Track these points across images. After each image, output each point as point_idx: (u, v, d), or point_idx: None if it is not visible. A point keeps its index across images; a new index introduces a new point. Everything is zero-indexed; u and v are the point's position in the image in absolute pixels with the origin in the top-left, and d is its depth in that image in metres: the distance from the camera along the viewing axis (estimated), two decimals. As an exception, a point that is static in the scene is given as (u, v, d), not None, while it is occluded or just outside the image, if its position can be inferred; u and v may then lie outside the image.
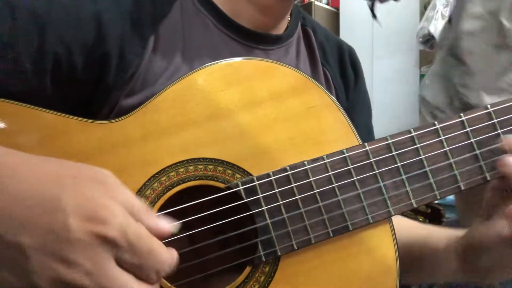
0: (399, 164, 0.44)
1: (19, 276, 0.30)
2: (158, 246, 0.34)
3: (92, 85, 0.47)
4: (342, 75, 0.63)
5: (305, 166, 0.43)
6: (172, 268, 0.34)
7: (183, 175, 0.42)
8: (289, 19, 0.60)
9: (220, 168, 0.43)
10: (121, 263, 0.32)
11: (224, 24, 0.53)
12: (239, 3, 0.54)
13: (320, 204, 0.43)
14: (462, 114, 0.46)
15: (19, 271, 0.30)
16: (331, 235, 0.43)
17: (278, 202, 0.42)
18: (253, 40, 0.54)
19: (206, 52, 0.51)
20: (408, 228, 0.57)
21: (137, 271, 0.33)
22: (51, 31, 0.44)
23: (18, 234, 0.30)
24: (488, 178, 0.45)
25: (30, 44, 0.43)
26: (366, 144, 0.44)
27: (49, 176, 0.32)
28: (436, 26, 1.99)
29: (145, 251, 0.32)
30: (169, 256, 0.34)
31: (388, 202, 0.44)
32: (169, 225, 0.35)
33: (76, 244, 0.30)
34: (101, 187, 0.33)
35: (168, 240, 0.40)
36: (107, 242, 0.31)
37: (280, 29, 0.58)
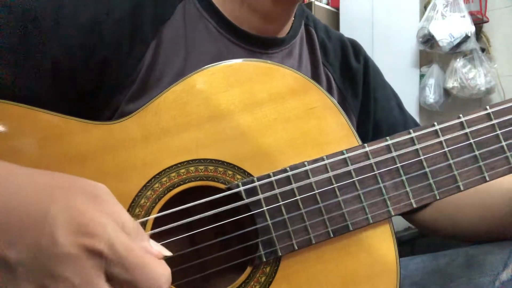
0: (399, 165, 0.44)
1: None
2: (151, 261, 0.32)
3: (93, 89, 0.47)
4: (347, 71, 0.63)
5: (306, 166, 0.43)
6: (168, 285, 0.33)
7: (184, 176, 0.42)
8: (293, 19, 0.59)
9: (220, 169, 0.43)
10: (112, 279, 0.31)
11: (227, 29, 0.53)
12: (242, 11, 0.53)
13: (321, 204, 0.43)
14: (461, 115, 0.46)
15: (6, 286, 0.30)
16: (332, 235, 0.43)
17: (279, 202, 0.42)
18: (256, 45, 0.54)
19: (208, 56, 0.51)
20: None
21: None
22: (51, 35, 0.44)
23: (5, 249, 0.29)
24: (487, 179, 0.45)
25: (30, 49, 0.43)
26: (366, 145, 0.45)
27: (40, 188, 0.31)
28: (436, 26, 1.99)
29: (137, 266, 0.31)
30: (165, 272, 0.32)
31: (388, 202, 0.44)
32: (158, 250, 0.33)
33: (64, 258, 0.29)
34: (93, 201, 0.32)
35: (169, 241, 0.40)
36: (95, 255, 0.30)
37: (284, 32, 0.58)
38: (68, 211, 0.30)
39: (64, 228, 0.30)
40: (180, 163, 0.42)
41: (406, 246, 1.00)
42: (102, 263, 0.30)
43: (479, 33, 2.12)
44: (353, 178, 0.44)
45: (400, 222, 0.67)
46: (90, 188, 0.33)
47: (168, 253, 0.35)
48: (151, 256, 0.32)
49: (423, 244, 1.01)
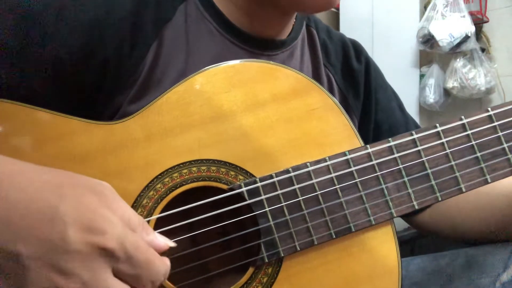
0: (401, 166, 0.44)
1: (17, 285, 0.30)
2: (154, 257, 0.34)
3: (94, 89, 0.47)
4: (348, 72, 0.63)
5: (308, 167, 0.43)
6: (166, 276, 0.35)
7: (186, 176, 0.42)
8: (294, 20, 0.59)
9: (223, 170, 0.43)
10: (118, 274, 0.32)
11: (228, 30, 0.52)
12: (240, 12, 0.53)
13: (323, 205, 0.43)
14: (463, 117, 0.46)
15: (16, 281, 0.30)
16: (334, 236, 0.43)
17: (281, 203, 0.42)
18: (257, 46, 0.54)
19: (209, 57, 0.50)
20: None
21: (133, 282, 0.33)
22: (52, 35, 0.44)
23: (16, 244, 0.30)
24: (489, 181, 0.45)
25: (32, 49, 0.43)
26: (368, 146, 0.45)
27: (49, 185, 0.32)
28: (436, 26, 1.99)
29: (142, 262, 0.33)
30: (164, 266, 0.34)
31: (390, 203, 0.44)
32: (164, 242, 0.35)
33: (74, 255, 0.30)
34: (100, 198, 0.33)
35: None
36: (105, 253, 0.31)
37: (285, 34, 0.57)
38: (78, 208, 0.31)
39: (75, 225, 0.30)
40: (182, 164, 0.42)
41: (406, 246, 1.01)
42: (111, 260, 0.31)
43: (479, 33, 2.12)
44: (355, 179, 0.44)
45: (400, 223, 0.67)
46: (95, 186, 0.34)
47: (173, 244, 0.37)
48: (154, 252, 0.34)
49: (423, 244, 1.01)
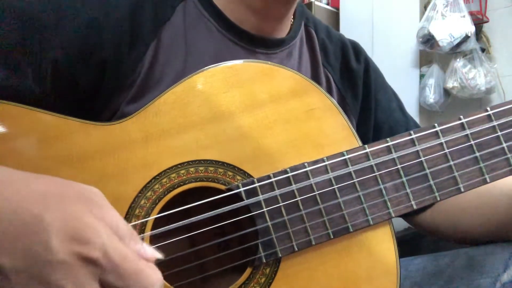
0: (399, 166, 0.44)
1: None
2: (145, 267, 0.32)
3: (92, 90, 0.47)
4: (347, 73, 0.62)
5: (306, 168, 0.43)
6: None
7: (184, 177, 0.42)
8: (292, 20, 0.59)
9: (220, 170, 0.43)
10: (106, 286, 0.31)
11: (227, 28, 0.52)
12: (239, 9, 0.53)
13: (321, 205, 0.43)
14: (462, 117, 0.46)
15: None
16: (332, 237, 0.43)
17: (279, 203, 0.42)
18: (256, 45, 0.54)
19: (208, 56, 0.50)
20: None
21: None
22: (50, 37, 0.44)
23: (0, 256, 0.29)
24: (488, 180, 0.45)
25: (30, 51, 0.43)
26: (366, 146, 0.45)
27: (34, 195, 0.31)
28: (436, 26, 1.99)
29: (131, 273, 0.31)
30: (158, 278, 0.33)
31: (388, 203, 0.44)
32: (152, 253, 0.34)
33: (58, 266, 0.29)
34: (87, 206, 0.32)
35: (169, 242, 0.40)
36: (89, 263, 0.30)
37: (283, 32, 0.58)
38: (63, 218, 0.30)
39: (59, 235, 0.29)
40: (180, 164, 0.42)
41: (406, 246, 1.00)
42: (96, 270, 0.30)
43: (479, 33, 2.11)
44: (353, 179, 0.44)
45: (401, 222, 0.67)
46: (84, 193, 0.33)
47: (161, 256, 0.35)
48: (145, 263, 0.32)
49: (423, 244, 1.01)
